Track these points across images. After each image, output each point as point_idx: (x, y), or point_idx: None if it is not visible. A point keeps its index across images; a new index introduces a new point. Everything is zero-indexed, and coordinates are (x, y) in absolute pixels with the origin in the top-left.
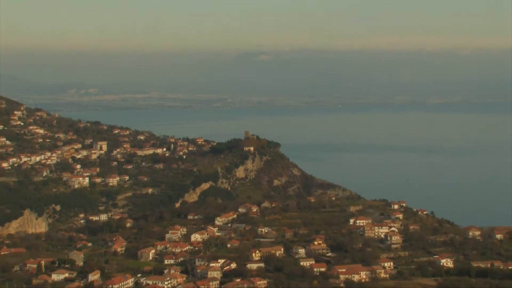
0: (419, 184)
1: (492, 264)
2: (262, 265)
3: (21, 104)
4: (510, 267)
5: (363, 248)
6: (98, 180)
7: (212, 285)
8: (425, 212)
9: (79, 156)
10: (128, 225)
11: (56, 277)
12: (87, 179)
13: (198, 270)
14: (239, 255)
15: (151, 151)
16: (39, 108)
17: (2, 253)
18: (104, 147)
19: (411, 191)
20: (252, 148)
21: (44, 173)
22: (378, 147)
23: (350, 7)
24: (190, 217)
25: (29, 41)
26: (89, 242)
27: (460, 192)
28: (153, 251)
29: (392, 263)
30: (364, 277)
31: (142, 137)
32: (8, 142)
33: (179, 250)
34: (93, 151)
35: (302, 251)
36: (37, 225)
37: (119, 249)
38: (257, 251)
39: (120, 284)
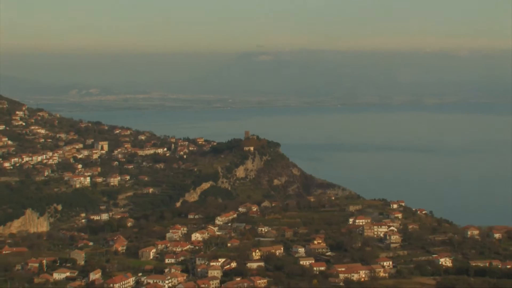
0: (418, 184)
1: (491, 263)
2: (262, 264)
3: (22, 104)
4: (508, 266)
5: (363, 247)
6: (99, 179)
7: (213, 284)
8: (424, 212)
9: (80, 156)
10: (129, 224)
11: (57, 276)
12: (88, 179)
13: (199, 269)
14: (239, 254)
15: (152, 151)
16: (40, 108)
17: (4, 252)
18: (105, 147)
19: (410, 191)
20: (252, 148)
21: (46, 173)
22: (378, 147)
23: (350, 8)
24: (190, 216)
25: (30, 42)
26: (90, 241)
27: (459, 191)
28: (154, 250)
29: (391, 262)
30: (363, 276)
31: (143, 137)
32: (10, 142)
33: (179, 249)
34: (94, 151)
35: (301, 250)
36: (39, 224)
37: (120, 248)
38: (257, 250)
39: (121, 283)
